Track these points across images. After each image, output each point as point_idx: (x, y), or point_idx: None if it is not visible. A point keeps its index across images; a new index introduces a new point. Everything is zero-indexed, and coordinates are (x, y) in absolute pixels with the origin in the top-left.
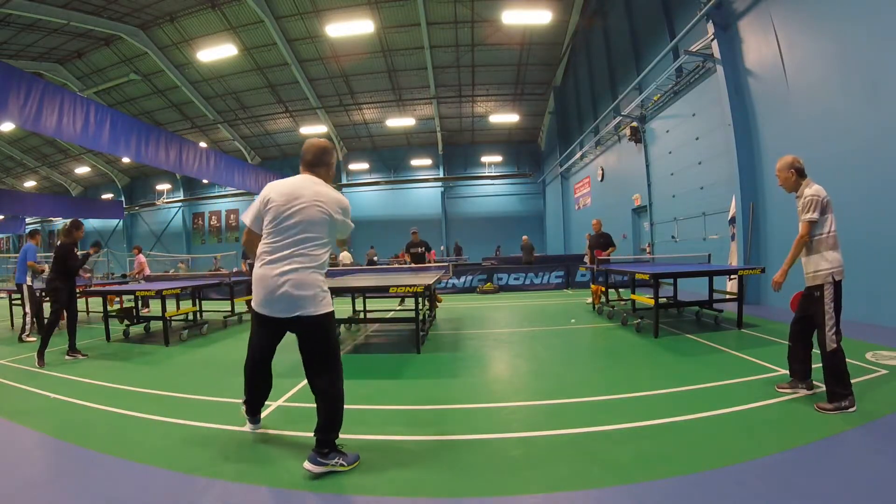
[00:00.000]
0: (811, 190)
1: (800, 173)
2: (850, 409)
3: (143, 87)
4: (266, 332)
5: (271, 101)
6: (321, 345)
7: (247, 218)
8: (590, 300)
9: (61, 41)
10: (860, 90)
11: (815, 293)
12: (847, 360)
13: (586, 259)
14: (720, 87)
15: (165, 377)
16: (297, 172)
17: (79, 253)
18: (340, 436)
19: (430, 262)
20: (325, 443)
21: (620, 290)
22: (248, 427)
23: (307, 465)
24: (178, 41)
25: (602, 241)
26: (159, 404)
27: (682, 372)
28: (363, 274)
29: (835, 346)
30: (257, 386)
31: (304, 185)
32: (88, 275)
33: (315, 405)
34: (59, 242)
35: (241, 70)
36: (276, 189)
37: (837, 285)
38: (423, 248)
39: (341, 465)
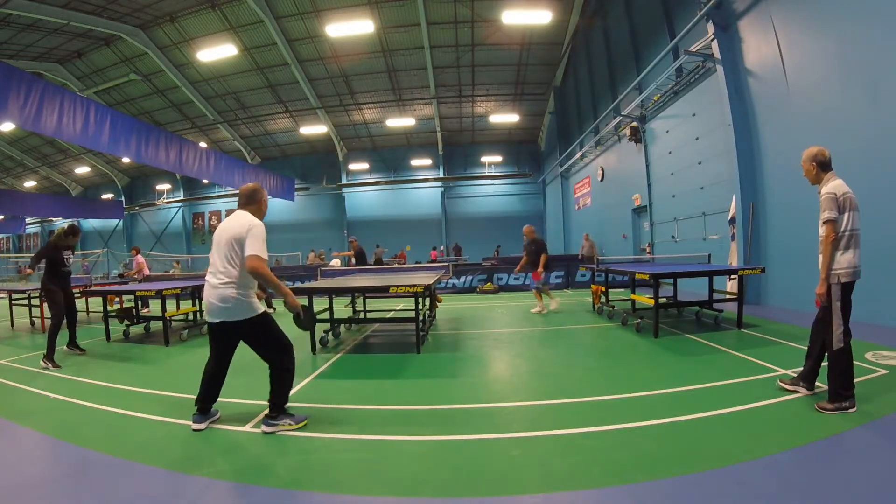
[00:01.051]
0: (828, 187)
1: (822, 167)
2: (851, 410)
3: (143, 87)
4: (212, 335)
5: (271, 101)
6: (257, 338)
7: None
8: (536, 308)
9: (61, 41)
10: (860, 90)
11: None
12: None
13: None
14: (720, 87)
15: (165, 377)
16: (297, 173)
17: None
18: (339, 436)
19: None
20: (274, 408)
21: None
22: (202, 426)
23: (263, 427)
24: (178, 41)
25: (533, 249)
26: (159, 404)
27: (682, 372)
28: (362, 274)
29: (842, 345)
30: (216, 384)
31: (231, 219)
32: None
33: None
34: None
35: (241, 70)
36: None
37: (845, 287)
38: (355, 259)
39: (289, 424)
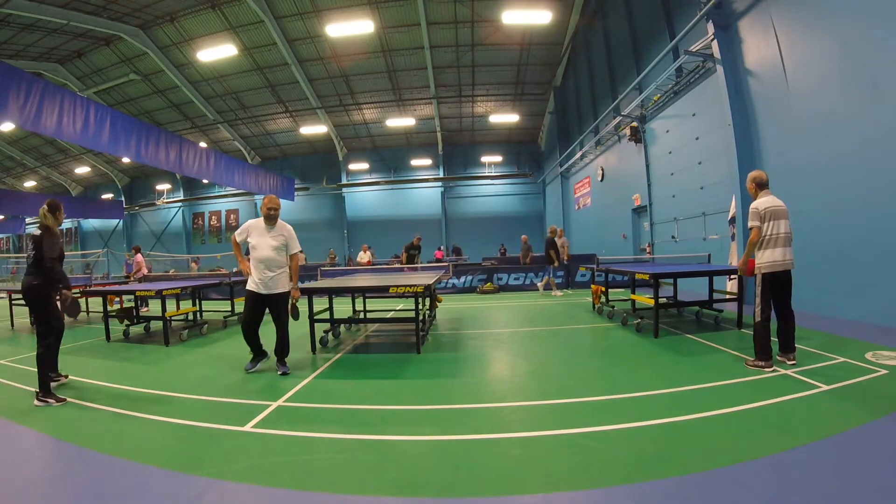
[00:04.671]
0: (753, 204)
1: (759, 186)
2: (767, 370)
3: (143, 87)
4: (256, 303)
5: (271, 101)
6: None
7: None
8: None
9: (61, 41)
10: (860, 90)
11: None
12: (845, 359)
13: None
14: (720, 87)
15: (165, 377)
16: (297, 173)
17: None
18: (339, 436)
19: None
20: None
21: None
22: (260, 366)
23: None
24: (178, 41)
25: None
26: (159, 404)
27: (682, 372)
28: (363, 274)
29: (758, 319)
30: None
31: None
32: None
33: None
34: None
35: (241, 70)
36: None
37: (764, 277)
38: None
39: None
